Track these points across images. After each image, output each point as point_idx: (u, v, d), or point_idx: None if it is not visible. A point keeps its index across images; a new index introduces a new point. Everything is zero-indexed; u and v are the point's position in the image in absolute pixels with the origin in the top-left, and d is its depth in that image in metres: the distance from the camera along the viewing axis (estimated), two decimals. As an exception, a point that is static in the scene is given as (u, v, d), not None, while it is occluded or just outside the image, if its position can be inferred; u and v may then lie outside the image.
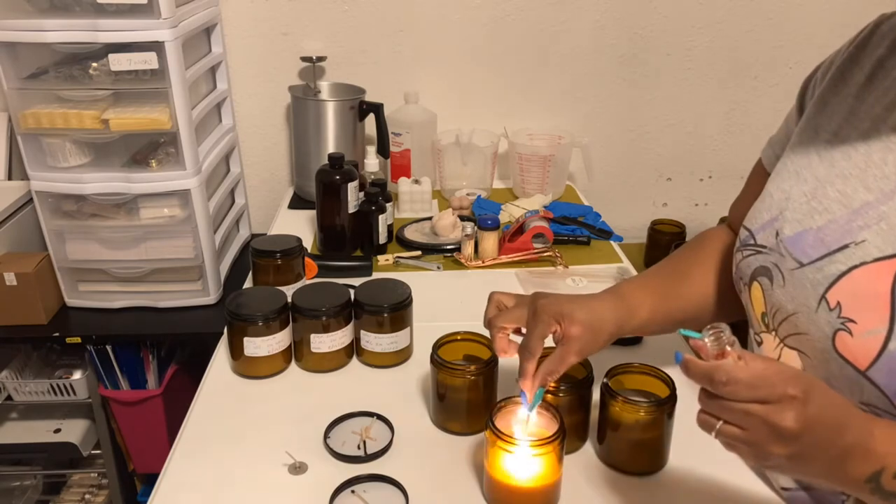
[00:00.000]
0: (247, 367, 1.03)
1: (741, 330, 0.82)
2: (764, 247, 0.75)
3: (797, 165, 0.75)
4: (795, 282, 0.69)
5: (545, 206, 1.57)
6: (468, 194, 1.65)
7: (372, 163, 1.57)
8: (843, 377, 0.64)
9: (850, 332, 0.62)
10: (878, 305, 0.61)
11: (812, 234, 0.69)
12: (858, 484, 0.59)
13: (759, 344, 0.78)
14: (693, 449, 0.87)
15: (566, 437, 0.76)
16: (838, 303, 0.64)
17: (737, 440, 0.58)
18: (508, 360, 0.90)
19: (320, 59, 1.72)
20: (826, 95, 0.77)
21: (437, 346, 0.91)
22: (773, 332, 0.74)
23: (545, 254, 1.38)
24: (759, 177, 0.87)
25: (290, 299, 1.04)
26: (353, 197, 1.38)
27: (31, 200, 1.46)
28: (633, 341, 1.10)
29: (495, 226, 1.37)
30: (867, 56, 0.74)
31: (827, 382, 0.62)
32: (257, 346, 1.01)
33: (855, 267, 0.64)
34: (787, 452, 0.57)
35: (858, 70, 0.74)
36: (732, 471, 0.77)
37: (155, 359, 1.57)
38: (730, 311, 0.88)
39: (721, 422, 0.59)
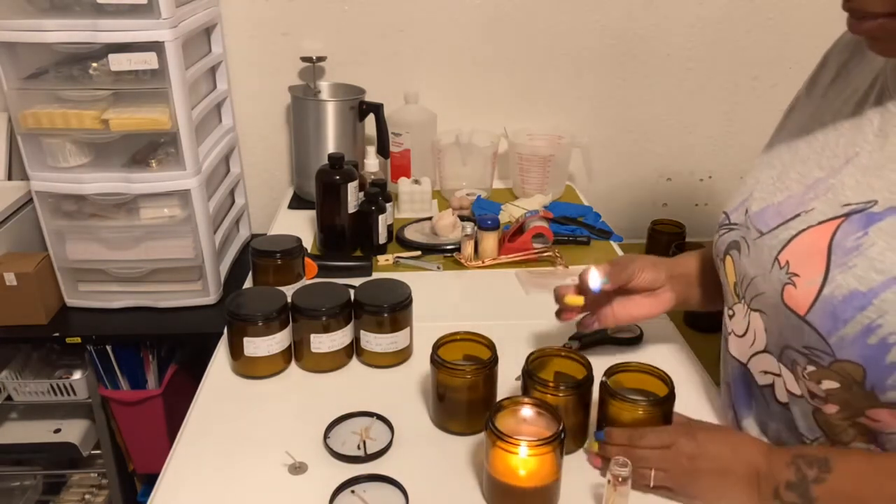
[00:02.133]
0: (247, 367, 1.03)
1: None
2: (736, 224, 0.84)
3: (770, 156, 0.85)
4: (757, 249, 0.79)
5: (545, 206, 1.57)
6: (468, 194, 1.65)
7: (372, 163, 1.57)
8: (788, 325, 0.72)
9: (795, 285, 0.71)
10: (817, 259, 0.69)
11: (773, 209, 0.79)
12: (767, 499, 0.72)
13: (732, 317, 0.84)
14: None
15: (566, 437, 0.76)
16: (787, 262, 0.73)
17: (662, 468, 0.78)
18: (507, 360, 0.91)
19: (320, 59, 1.72)
20: (800, 99, 0.87)
21: (437, 346, 0.91)
22: (743, 300, 0.81)
23: (545, 254, 1.38)
24: None
25: (290, 299, 1.04)
26: (353, 197, 1.38)
27: (31, 200, 1.46)
28: (633, 341, 1.10)
29: (495, 226, 1.37)
30: (833, 61, 0.84)
31: (778, 333, 0.75)
32: (257, 347, 1.01)
33: (803, 230, 0.73)
34: (693, 467, 0.76)
35: (826, 74, 0.84)
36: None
37: (155, 359, 1.57)
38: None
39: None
